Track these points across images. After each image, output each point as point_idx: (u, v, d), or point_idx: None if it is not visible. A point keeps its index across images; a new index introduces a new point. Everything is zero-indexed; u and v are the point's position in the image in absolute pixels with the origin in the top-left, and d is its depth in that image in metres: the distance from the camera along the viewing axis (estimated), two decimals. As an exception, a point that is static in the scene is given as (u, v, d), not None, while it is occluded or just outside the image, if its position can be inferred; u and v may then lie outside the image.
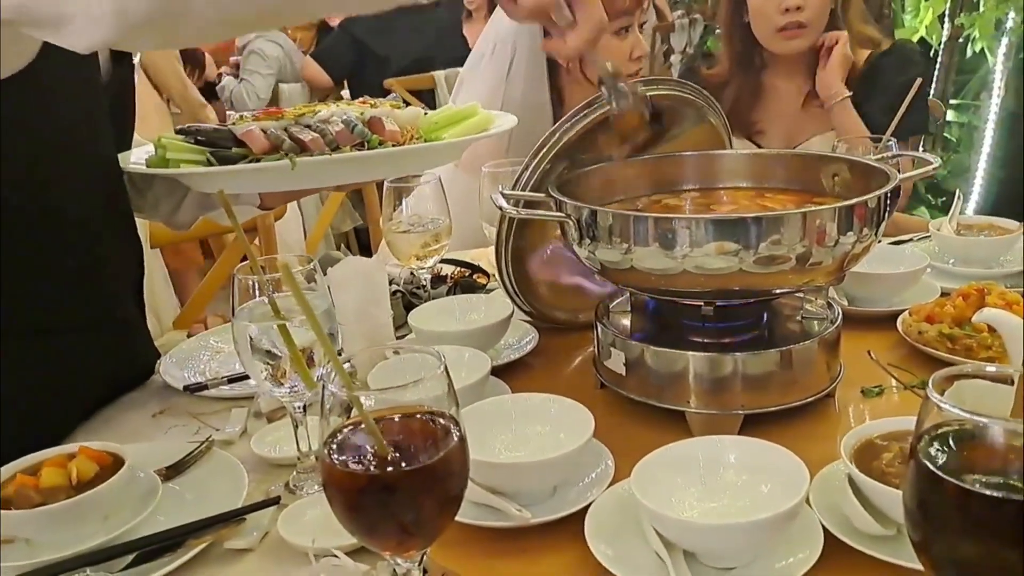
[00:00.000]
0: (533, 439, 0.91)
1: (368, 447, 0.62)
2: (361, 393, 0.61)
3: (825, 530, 0.77)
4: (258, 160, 1.07)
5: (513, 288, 1.23)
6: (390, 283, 1.42)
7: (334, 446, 0.62)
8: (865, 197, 0.92)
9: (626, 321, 1.10)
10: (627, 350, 1.02)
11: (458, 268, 1.54)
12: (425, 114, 1.26)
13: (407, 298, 1.40)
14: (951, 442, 0.55)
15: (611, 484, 0.86)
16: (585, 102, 1.12)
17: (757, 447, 0.82)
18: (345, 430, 0.63)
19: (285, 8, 0.81)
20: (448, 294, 1.41)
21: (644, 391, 1.01)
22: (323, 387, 0.61)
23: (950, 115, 3.63)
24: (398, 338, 1.24)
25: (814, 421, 0.99)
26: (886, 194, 0.94)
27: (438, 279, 1.48)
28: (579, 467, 0.88)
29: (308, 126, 1.12)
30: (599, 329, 1.07)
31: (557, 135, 1.12)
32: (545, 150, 1.12)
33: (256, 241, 1.80)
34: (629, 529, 0.79)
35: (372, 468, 0.61)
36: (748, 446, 0.82)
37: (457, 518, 0.69)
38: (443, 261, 1.51)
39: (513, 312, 1.21)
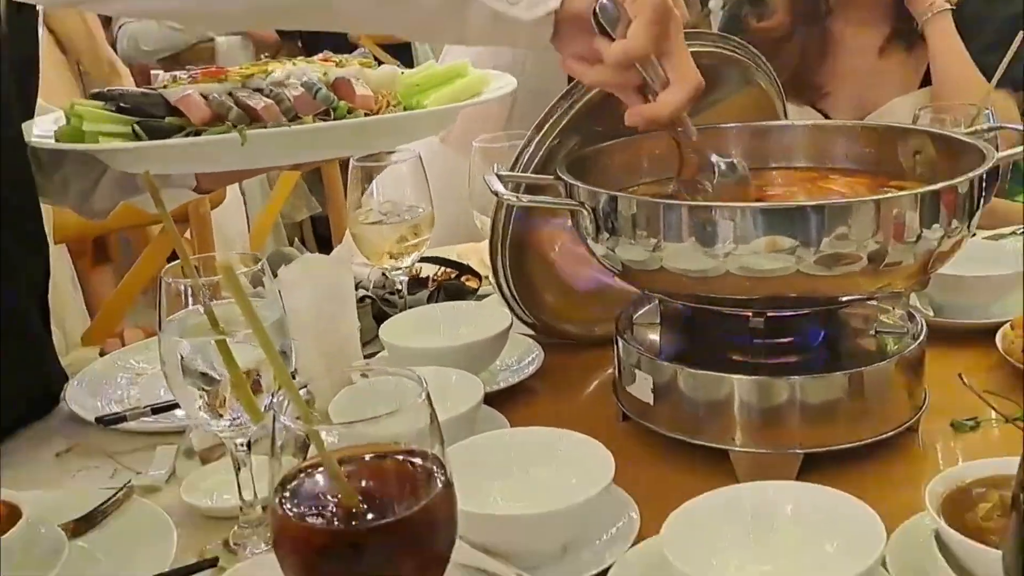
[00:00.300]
0: (538, 485, 0.91)
1: (330, 495, 0.62)
2: (322, 427, 0.61)
3: (905, 600, 0.77)
4: (199, 133, 1.07)
5: (512, 294, 1.23)
6: (357, 287, 1.43)
7: (287, 494, 0.62)
8: (955, 180, 0.92)
9: (654, 336, 1.10)
10: (656, 373, 1.02)
11: (443, 268, 1.54)
12: (403, 74, 1.26)
13: (378, 306, 1.40)
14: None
15: (636, 542, 0.86)
16: None
17: (820, 496, 0.82)
18: (301, 474, 0.63)
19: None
20: (430, 301, 1.41)
21: (677, 424, 1.01)
22: (273, 419, 0.61)
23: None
24: (367, 357, 1.24)
25: (892, 463, 0.99)
26: (981, 177, 0.94)
27: (417, 282, 1.48)
28: (595, 521, 0.88)
29: (259, 90, 1.12)
30: (620, 346, 1.07)
31: (568, 102, 1.13)
32: (553, 121, 1.13)
33: (188, 234, 1.81)
34: (658, 599, 0.79)
35: (335, 522, 0.61)
36: (808, 494, 0.82)
37: (442, 585, 0.69)
38: (423, 260, 1.51)
39: (512, 324, 1.21)
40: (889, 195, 0.92)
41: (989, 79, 1.45)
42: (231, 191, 2.11)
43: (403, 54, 3.66)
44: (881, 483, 0.95)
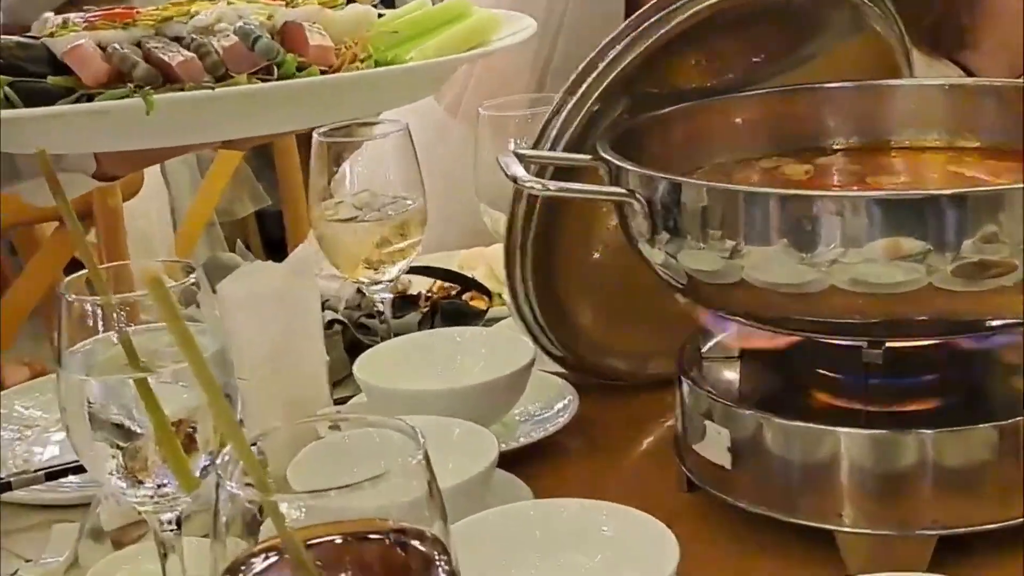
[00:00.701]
0: (573, 577, 0.91)
1: (293, 590, 0.61)
2: (283, 497, 0.61)
3: None
4: (91, 98, 1.07)
5: (535, 317, 1.24)
6: (322, 307, 1.43)
7: (234, 587, 0.62)
8: None
9: (731, 375, 1.10)
10: (734, 425, 1.02)
11: (439, 283, 1.54)
12: (380, 16, 1.26)
13: (352, 334, 1.41)
14: None
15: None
16: None
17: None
18: (254, 561, 0.62)
19: None
20: (422, 327, 1.41)
21: (764, 496, 1.01)
22: (216, 487, 0.61)
23: None
24: (338, 402, 1.24)
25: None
26: None
27: (405, 301, 1.48)
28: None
29: (178, 39, 1.11)
30: (685, 389, 1.07)
31: (611, 56, 1.13)
32: (592, 80, 1.13)
33: (91, 235, 1.81)
34: None
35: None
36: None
37: None
38: (413, 270, 1.51)
39: (535, 358, 1.21)
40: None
41: None
42: (150, 178, 2.11)
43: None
44: (1045, 576, 0.95)
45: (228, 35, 1.10)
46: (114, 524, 1.07)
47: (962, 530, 0.96)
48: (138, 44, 1.10)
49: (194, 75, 1.08)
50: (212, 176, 2.42)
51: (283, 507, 0.62)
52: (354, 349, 1.33)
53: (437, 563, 0.65)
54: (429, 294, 1.52)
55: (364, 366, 1.21)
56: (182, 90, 1.07)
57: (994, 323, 0.99)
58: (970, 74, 1.86)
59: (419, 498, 0.64)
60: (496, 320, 1.44)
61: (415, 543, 0.65)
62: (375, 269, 1.36)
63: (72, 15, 1.15)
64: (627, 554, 0.90)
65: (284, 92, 1.10)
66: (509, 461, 1.13)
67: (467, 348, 1.27)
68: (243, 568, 0.63)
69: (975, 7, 1.90)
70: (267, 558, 0.63)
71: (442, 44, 1.20)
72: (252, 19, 1.13)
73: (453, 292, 1.53)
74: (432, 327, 1.41)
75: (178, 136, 1.12)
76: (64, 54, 1.08)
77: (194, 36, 1.11)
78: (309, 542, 0.63)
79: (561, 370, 1.29)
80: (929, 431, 0.96)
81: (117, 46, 1.08)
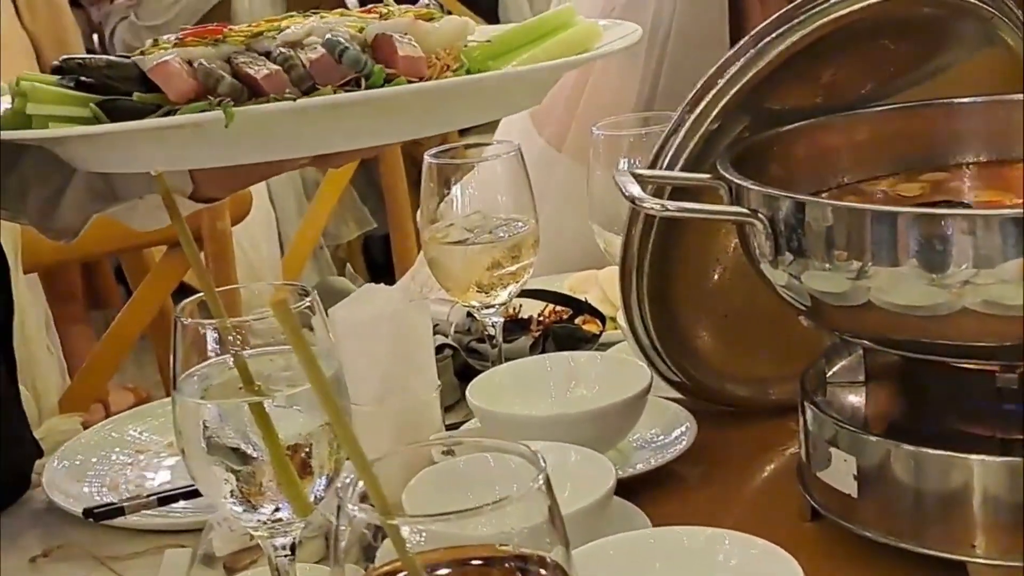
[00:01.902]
0: (695, 609, 0.91)
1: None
2: (405, 521, 0.62)
3: None
4: (174, 111, 1.08)
5: (651, 341, 1.23)
6: (434, 332, 1.44)
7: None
8: None
9: (858, 401, 1.10)
10: (862, 452, 1.01)
11: (551, 306, 1.54)
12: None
13: (462, 358, 1.41)
14: None
15: None
16: (785, 9, 1.13)
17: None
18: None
19: None
20: (534, 351, 1.42)
21: (892, 526, 1.00)
22: (338, 510, 0.62)
23: None
24: (450, 428, 1.25)
25: None
26: None
27: (516, 325, 1.49)
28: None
29: (267, 54, 1.12)
30: (809, 415, 1.06)
31: (730, 73, 1.13)
32: (712, 96, 1.13)
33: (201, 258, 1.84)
34: None
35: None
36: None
37: None
38: (524, 294, 1.52)
39: (651, 383, 1.21)
40: None
41: None
42: (257, 201, 2.14)
43: (487, 11, 3.69)
44: None
45: (316, 48, 1.11)
46: (227, 550, 1.08)
47: (1107, 563, 0.95)
48: (228, 60, 1.11)
49: (279, 88, 1.09)
50: (319, 199, 2.45)
51: (405, 531, 0.62)
52: (464, 374, 1.34)
53: (561, 592, 0.65)
54: (541, 318, 1.52)
55: (477, 391, 1.22)
56: (267, 102, 1.08)
57: None
58: None
59: (540, 523, 0.65)
60: (610, 345, 1.43)
61: (537, 569, 0.65)
62: (486, 293, 1.37)
63: (168, 35, 1.17)
64: (751, 584, 0.90)
65: (367, 102, 1.10)
66: (625, 489, 1.13)
67: (581, 373, 1.27)
68: (364, 593, 0.63)
69: None
70: (388, 584, 0.63)
71: (541, 54, 1.19)
72: (342, 32, 1.13)
73: (565, 316, 1.53)
74: (544, 351, 1.41)
75: (264, 150, 1.12)
76: (151, 71, 1.10)
77: (282, 50, 1.12)
78: (429, 567, 0.63)
79: (678, 396, 1.28)
80: (1070, 459, 0.94)
81: (203, 61, 1.10)
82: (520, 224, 1.37)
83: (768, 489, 1.19)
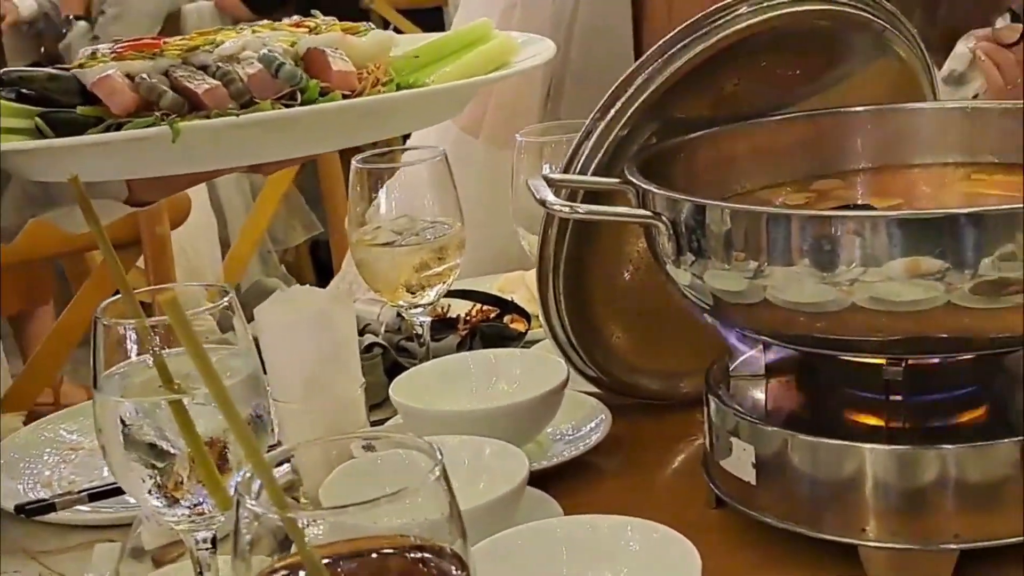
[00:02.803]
0: (600, 594, 0.91)
1: (314, 605, 0.62)
2: (302, 514, 0.62)
3: None
4: (121, 126, 1.08)
5: (568, 338, 1.24)
6: (363, 331, 1.44)
7: (257, 605, 0.62)
8: None
9: (758, 394, 1.10)
10: (759, 442, 1.02)
11: (478, 306, 1.55)
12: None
13: (392, 357, 1.41)
14: None
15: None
16: (690, 22, 1.13)
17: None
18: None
19: None
20: (460, 349, 1.42)
21: (788, 511, 1.01)
22: (237, 505, 0.62)
23: None
24: (375, 424, 1.24)
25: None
26: None
27: (444, 324, 1.49)
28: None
29: (204, 68, 1.12)
30: (712, 407, 1.07)
31: (639, 82, 1.13)
32: (620, 106, 1.13)
33: (140, 262, 1.83)
34: None
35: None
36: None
37: None
38: (453, 294, 1.52)
39: (568, 378, 1.21)
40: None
41: None
42: (198, 205, 2.13)
43: (430, 20, 3.69)
44: (1068, 591, 0.94)
45: (252, 63, 1.11)
46: (155, 543, 1.08)
47: (983, 544, 0.96)
48: (166, 73, 1.11)
49: (220, 102, 1.09)
50: (260, 202, 2.44)
51: (303, 524, 0.62)
52: (394, 372, 1.33)
53: (455, 578, 0.65)
54: (468, 317, 1.52)
55: (400, 388, 1.21)
56: (208, 117, 1.08)
57: (1013, 340, 0.99)
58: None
59: (438, 514, 0.65)
60: (535, 342, 1.43)
61: (434, 559, 0.65)
62: (414, 293, 1.37)
63: (101, 46, 1.17)
64: (651, 567, 0.90)
65: (307, 117, 1.11)
66: (543, 479, 1.14)
67: (502, 369, 1.27)
68: (264, 584, 0.63)
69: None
70: (289, 575, 0.63)
71: (462, 67, 1.21)
72: (276, 47, 1.14)
73: (492, 315, 1.53)
74: (471, 349, 1.41)
75: (205, 161, 1.13)
76: (93, 85, 1.10)
77: (219, 64, 1.12)
78: (330, 559, 0.63)
79: (594, 390, 1.29)
80: (951, 447, 0.95)
81: (145, 76, 1.09)
82: (446, 227, 1.37)
83: (677, 478, 1.19)
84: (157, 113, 1.07)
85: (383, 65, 1.19)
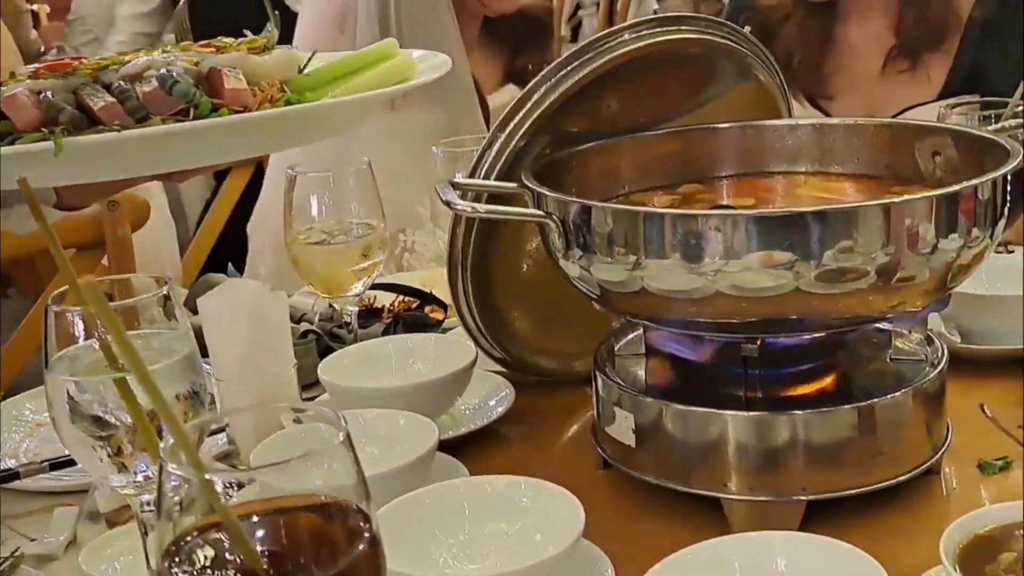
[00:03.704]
0: (495, 543, 0.90)
1: (230, 559, 0.60)
2: (217, 475, 0.60)
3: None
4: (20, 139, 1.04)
5: (476, 323, 1.23)
6: (299, 320, 1.42)
7: (178, 559, 0.61)
8: (974, 181, 0.93)
9: (639, 370, 1.10)
10: (639, 411, 1.02)
11: (402, 297, 1.53)
12: (308, 61, 1.21)
13: (325, 342, 1.40)
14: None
15: (610, 607, 0.86)
16: (580, 46, 1.13)
17: (819, 548, 0.81)
18: (196, 535, 0.61)
19: None
20: (385, 335, 1.40)
21: (663, 470, 1.01)
22: (160, 468, 0.60)
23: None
24: (307, 400, 1.23)
25: (909, 510, 0.99)
26: (1004, 177, 0.95)
27: (370, 313, 1.47)
28: (564, 583, 0.88)
29: (108, 86, 1.09)
30: (599, 382, 1.07)
31: (535, 97, 1.13)
32: (518, 120, 1.12)
33: (104, 260, 1.80)
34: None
35: (236, 589, 0.60)
36: (805, 546, 0.82)
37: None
38: (380, 287, 1.51)
39: (476, 359, 1.20)
40: (899, 199, 0.92)
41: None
42: (157, 208, 2.09)
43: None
44: (897, 533, 0.95)
45: (151, 81, 1.08)
46: (109, 507, 1.06)
47: (827, 496, 0.96)
48: (74, 91, 1.08)
49: (115, 118, 1.06)
50: (218, 202, 2.40)
51: (219, 485, 0.61)
52: (327, 356, 1.32)
53: (359, 532, 0.63)
54: (392, 307, 1.51)
55: (328, 368, 1.20)
56: (104, 131, 1.04)
57: (852, 321, 1.00)
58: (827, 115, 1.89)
59: (344, 475, 0.63)
60: (451, 329, 1.43)
61: (339, 515, 0.63)
62: (343, 286, 1.36)
63: (23, 68, 1.14)
64: (541, 521, 0.90)
65: (185, 132, 1.06)
66: (454, 447, 1.13)
67: (418, 352, 1.26)
68: (185, 541, 0.61)
69: (828, 65, 1.92)
70: (208, 532, 0.62)
71: (358, 85, 1.17)
72: (179, 65, 1.10)
73: (414, 305, 1.52)
74: (393, 335, 1.40)
75: (99, 172, 1.09)
76: (2, 102, 1.07)
77: (120, 83, 1.08)
78: (244, 516, 0.62)
79: (500, 369, 1.28)
80: (799, 413, 0.96)
81: (49, 93, 1.06)
82: (370, 227, 1.36)
83: (570, 444, 1.19)
84: (56, 129, 1.04)
85: (275, 83, 1.15)
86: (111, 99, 1.06)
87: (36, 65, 1.14)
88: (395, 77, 1.18)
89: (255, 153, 1.21)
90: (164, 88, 1.07)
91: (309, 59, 1.23)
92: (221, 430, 1.12)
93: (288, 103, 1.13)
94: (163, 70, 1.09)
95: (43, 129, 1.04)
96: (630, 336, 1.13)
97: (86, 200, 1.31)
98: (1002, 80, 1.77)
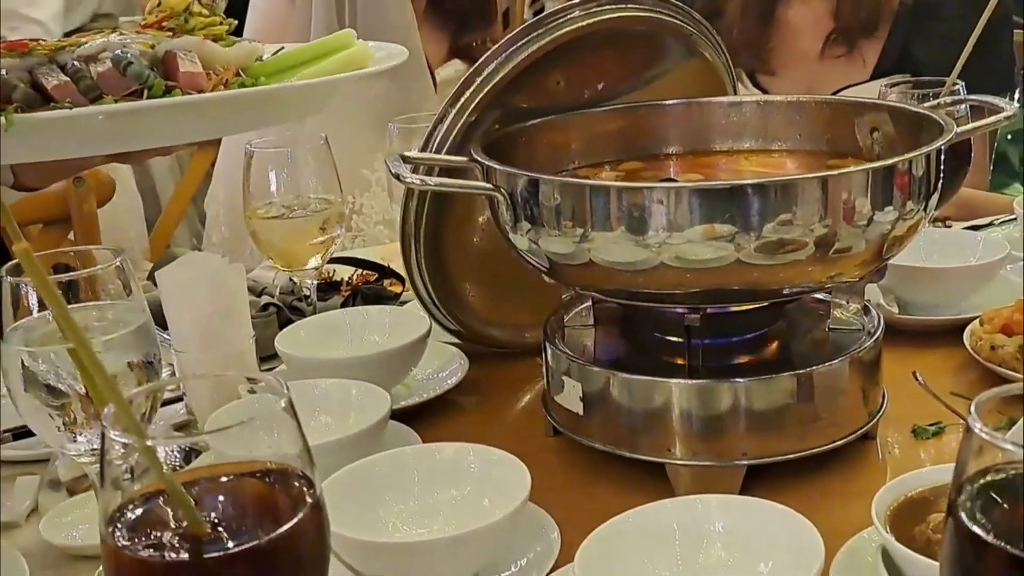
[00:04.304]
0: (444, 508, 0.90)
1: (174, 523, 0.59)
2: (161, 442, 0.59)
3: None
4: None
5: (429, 295, 1.22)
6: (260, 293, 1.40)
7: (122, 524, 0.60)
8: (908, 155, 0.93)
9: (588, 341, 1.10)
10: (586, 380, 1.01)
11: (360, 271, 1.52)
12: (278, 51, 1.20)
13: (285, 315, 1.38)
14: (1006, 494, 0.54)
15: (555, 568, 0.85)
16: (529, 23, 1.11)
17: (756, 510, 0.82)
18: (140, 501, 0.60)
19: None
20: (345, 306, 1.39)
21: (610, 437, 1.01)
22: (102, 436, 0.59)
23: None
24: (266, 372, 1.21)
25: (846, 474, 0.99)
26: (938, 151, 0.94)
27: (329, 286, 1.46)
28: (509, 545, 0.87)
29: (63, 66, 1.07)
30: (549, 352, 1.06)
31: (485, 73, 1.11)
32: (468, 95, 1.11)
33: (71, 235, 1.78)
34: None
35: (179, 553, 0.59)
36: (743, 509, 0.82)
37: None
38: (338, 260, 1.49)
39: (430, 330, 1.20)
40: (836, 172, 0.92)
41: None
42: (123, 189, 2.07)
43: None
44: (833, 496, 0.95)
45: (105, 62, 1.06)
46: (69, 475, 1.05)
47: (767, 460, 0.97)
48: (29, 70, 1.05)
49: (68, 96, 1.03)
50: (185, 178, 2.37)
51: (162, 452, 0.59)
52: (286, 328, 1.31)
53: (302, 496, 0.63)
54: (350, 280, 1.49)
55: (285, 339, 1.19)
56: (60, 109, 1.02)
57: (791, 291, 0.99)
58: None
59: (286, 441, 0.62)
60: (408, 302, 1.42)
61: (283, 479, 0.63)
62: (302, 259, 1.34)
63: None
64: (489, 486, 0.89)
65: (135, 111, 1.04)
66: (409, 416, 1.12)
67: (374, 323, 1.25)
68: (131, 507, 0.60)
69: (768, 40, 1.92)
70: (152, 498, 0.61)
71: (314, 73, 1.15)
72: (135, 48, 1.08)
73: (372, 279, 1.51)
74: (351, 307, 1.39)
75: (56, 150, 1.06)
76: None
77: (75, 63, 1.06)
78: (189, 483, 0.61)
79: (454, 340, 1.27)
80: (740, 380, 0.96)
81: (4, 71, 1.04)
82: (328, 202, 1.34)
83: (521, 412, 1.18)
84: (10, 106, 1.01)
85: (233, 68, 1.13)
86: (65, 78, 1.04)
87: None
88: (351, 66, 1.16)
89: (209, 135, 1.19)
90: (118, 69, 1.05)
91: (276, 53, 1.21)
92: (179, 399, 1.10)
93: (243, 87, 1.10)
94: (118, 51, 1.06)
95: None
96: (579, 308, 1.13)
97: (43, 181, 1.29)
98: (928, 62, 1.81)
